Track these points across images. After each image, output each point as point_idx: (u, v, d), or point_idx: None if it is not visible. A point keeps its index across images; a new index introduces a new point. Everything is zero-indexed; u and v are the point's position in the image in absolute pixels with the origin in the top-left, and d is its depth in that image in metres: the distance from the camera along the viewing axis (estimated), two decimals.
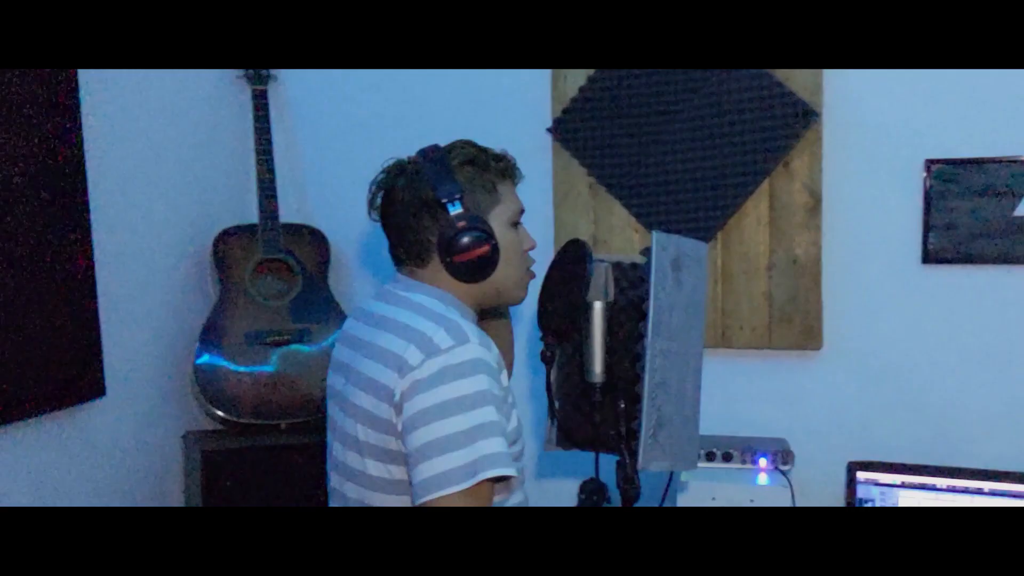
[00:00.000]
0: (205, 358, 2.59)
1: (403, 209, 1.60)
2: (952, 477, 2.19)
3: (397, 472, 1.50)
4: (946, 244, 2.31)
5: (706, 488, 2.22)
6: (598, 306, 1.60)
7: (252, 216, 2.77)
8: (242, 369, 2.61)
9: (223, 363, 2.60)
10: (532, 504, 2.55)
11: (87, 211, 2.28)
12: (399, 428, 1.46)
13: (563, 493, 2.65)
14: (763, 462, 2.29)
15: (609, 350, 1.58)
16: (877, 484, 2.25)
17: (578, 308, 1.57)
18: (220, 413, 2.58)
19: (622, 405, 1.56)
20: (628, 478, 1.56)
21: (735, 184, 2.42)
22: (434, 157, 1.60)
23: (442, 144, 1.64)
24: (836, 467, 2.33)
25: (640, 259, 1.61)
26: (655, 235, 1.54)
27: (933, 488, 2.20)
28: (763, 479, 2.25)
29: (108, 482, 2.42)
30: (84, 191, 2.27)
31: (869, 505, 2.24)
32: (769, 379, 2.48)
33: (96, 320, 2.32)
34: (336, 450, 1.62)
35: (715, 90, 2.41)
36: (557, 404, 1.71)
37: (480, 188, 1.59)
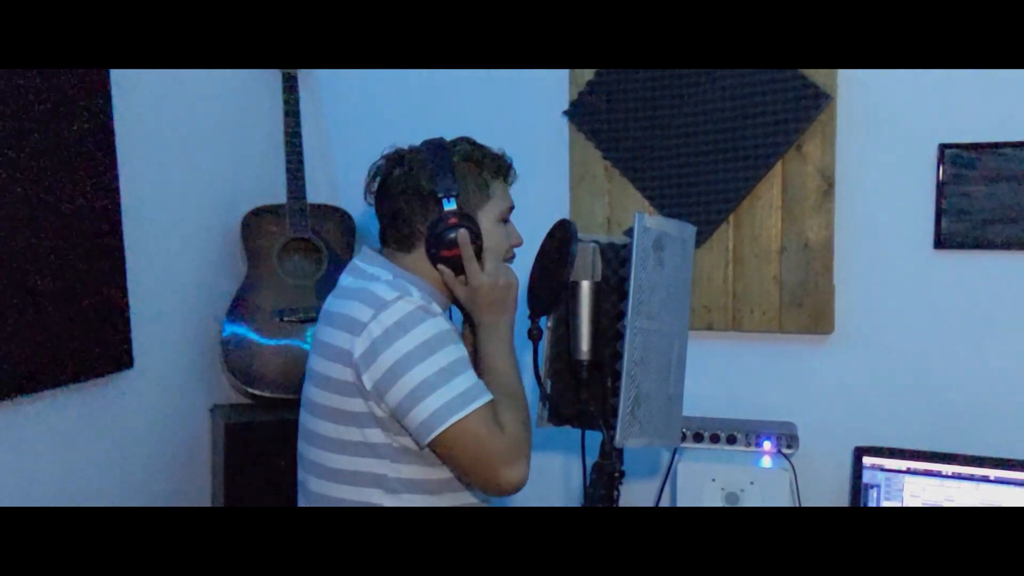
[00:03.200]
0: (232, 331, 2.68)
1: (398, 196, 1.69)
2: (957, 464, 2.17)
3: (346, 433, 1.60)
4: (959, 229, 2.28)
5: (707, 469, 2.23)
6: (585, 285, 1.64)
7: (282, 197, 2.84)
8: (269, 342, 2.68)
9: (250, 336, 2.68)
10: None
11: (116, 184, 2.34)
12: (368, 389, 1.56)
13: (553, 468, 2.70)
14: (767, 445, 2.29)
15: (596, 328, 1.62)
16: (883, 470, 2.24)
17: (565, 287, 1.62)
18: (245, 387, 2.67)
19: (610, 383, 1.60)
20: (605, 454, 1.60)
21: (747, 167, 2.41)
22: (436, 151, 1.68)
23: (447, 136, 1.73)
24: (843, 452, 2.33)
25: (624, 240, 1.64)
26: (637, 216, 1.57)
27: (938, 475, 2.19)
28: (766, 462, 2.26)
29: (136, 452, 2.50)
30: (113, 165, 2.33)
31: (874, 490, 2.24)
32: (779, 363, 2.47)
33: (124, 293, 2.39)
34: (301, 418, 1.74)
35: (728, 73, 2.41)
36: (549, 381, 1.75)
37: (474, 185, 1.69)
